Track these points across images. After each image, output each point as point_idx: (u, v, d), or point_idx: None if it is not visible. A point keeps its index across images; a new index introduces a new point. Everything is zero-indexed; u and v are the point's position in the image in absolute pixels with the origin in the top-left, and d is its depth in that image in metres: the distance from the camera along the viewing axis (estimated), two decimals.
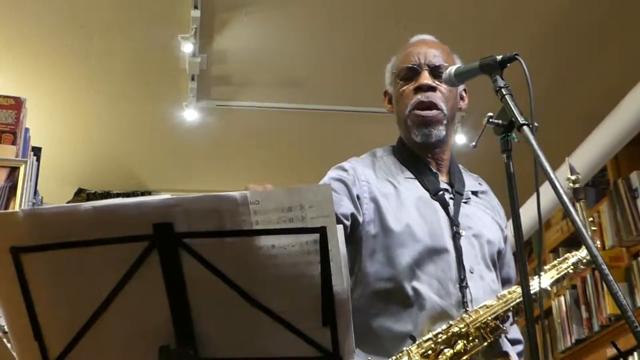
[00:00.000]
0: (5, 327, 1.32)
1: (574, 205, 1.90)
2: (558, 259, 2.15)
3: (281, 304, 1.29)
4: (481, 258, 2.10)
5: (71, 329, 1.29)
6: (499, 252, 2.19)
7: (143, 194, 5.88)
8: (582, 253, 2.14)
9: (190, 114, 4.98)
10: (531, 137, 1.62)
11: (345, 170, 2.14)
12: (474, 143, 1.87)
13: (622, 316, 1.34)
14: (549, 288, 2.08)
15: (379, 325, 1.99)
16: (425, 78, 2.15)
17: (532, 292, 2.00)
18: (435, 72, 2.16)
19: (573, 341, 5.15)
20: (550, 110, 4.73)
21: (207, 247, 1.25)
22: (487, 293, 2.04)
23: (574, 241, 5.31)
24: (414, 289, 1.99)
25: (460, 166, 2.28)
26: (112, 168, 5.68)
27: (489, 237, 2.14)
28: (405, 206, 2.09)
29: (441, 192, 2.13)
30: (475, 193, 2.23)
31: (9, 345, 2.22)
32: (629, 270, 4.71)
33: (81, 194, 5.77)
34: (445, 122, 2.16)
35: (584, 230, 1.47)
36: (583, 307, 5.10)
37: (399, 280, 2.01)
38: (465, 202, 2.16)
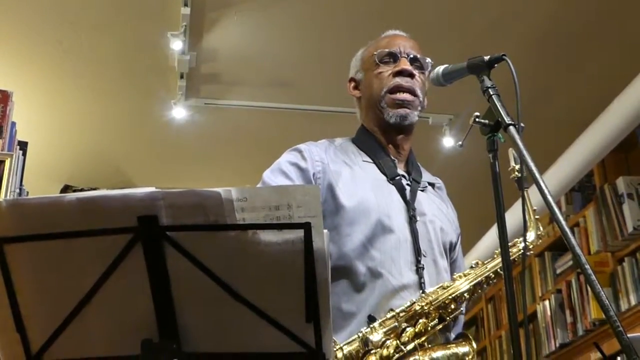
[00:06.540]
0: None
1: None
2: (486, 260, 2.06)
3: (265, 300, 1.28)
4: (435, 244, 2.08)
5: (54, 321, 1.28)
6: (451, 245, 2.17)
7: None
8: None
9: (179, 112, 4.98)
10: (517, 137, 1.63)
11: (300, 151, 2.15)
12: (460, 142, 1.88)
13: (605, 317, 1.34)
14: (471, 287, 1.99)
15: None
16: (406, 64, 2.17)
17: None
18: (413, 63, 2.19)
19: (557, 345, 5.18)
20: (537, 115, 4.74)
21: (191, 240, 1.25)
22: (440, 278, 2.03)
23: (560, 245, 5.33)
24: (368, 268, 1.97)
25: (419, 164, 2.27)
26: (99, 165, 5.66)
27: (442, 225, 2.13)
28: (359, 185, 2.07)
29: (398, 177, 2.12)
30: (432, 185, 2.24)
31: None
32: (614, 276, 4.73)
33: (67, 191, 5.74)
34: (419, 109, 2.18)
35: (568, 232, 1.47)
36: (568, 312, 5.12)
37: (350, 259, 1.97)
38: (421, 190, 2.16)
